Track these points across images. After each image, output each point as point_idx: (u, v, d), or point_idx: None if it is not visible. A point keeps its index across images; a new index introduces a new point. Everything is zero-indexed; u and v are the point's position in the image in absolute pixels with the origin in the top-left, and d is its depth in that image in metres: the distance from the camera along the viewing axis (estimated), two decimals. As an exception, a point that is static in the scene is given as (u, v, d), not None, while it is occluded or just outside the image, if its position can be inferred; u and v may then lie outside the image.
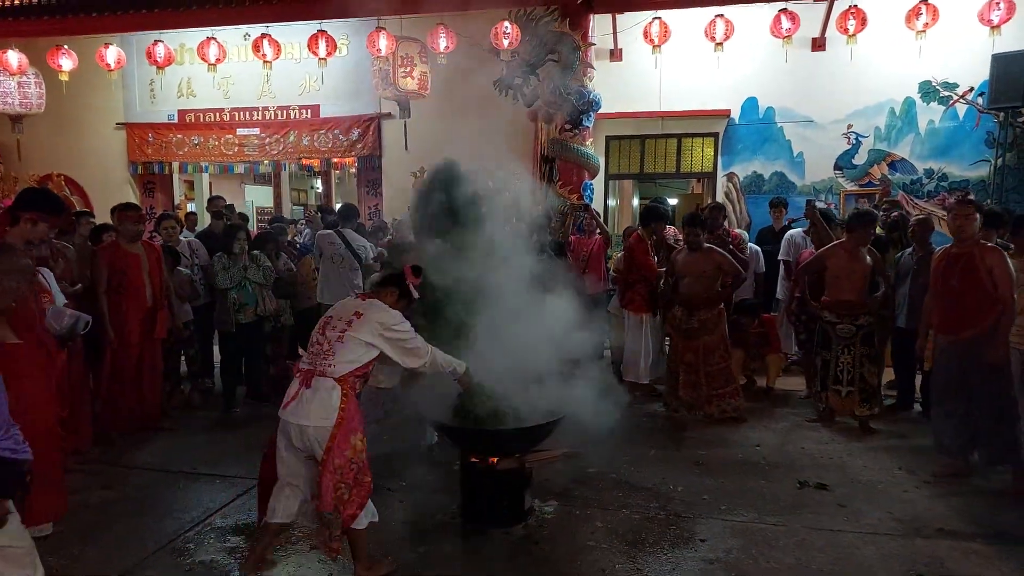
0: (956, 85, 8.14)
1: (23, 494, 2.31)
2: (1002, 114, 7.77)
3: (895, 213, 6.84)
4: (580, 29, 7.95)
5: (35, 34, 9.33)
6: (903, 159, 8.37)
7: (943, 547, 3.46)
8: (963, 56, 7.93)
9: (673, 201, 12.35)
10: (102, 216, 8.35)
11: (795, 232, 6.79)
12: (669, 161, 9.06)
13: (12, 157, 10.62)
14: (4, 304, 2.48)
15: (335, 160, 10.18)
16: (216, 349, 6.39)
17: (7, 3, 9.68)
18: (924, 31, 7.26)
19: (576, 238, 7.15)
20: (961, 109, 8.18)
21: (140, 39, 9.60)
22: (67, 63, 9.08)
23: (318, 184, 14.16)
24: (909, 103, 8.27)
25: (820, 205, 6.90)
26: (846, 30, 7.45)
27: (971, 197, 7.07)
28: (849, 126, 8.44)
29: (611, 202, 9.88)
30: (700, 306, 5.46)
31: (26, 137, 10.27)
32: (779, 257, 6.83)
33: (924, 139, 8.29)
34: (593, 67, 8.21)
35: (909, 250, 5.62)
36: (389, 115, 9.50)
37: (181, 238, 6.49)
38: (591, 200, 8.19)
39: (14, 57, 9.06)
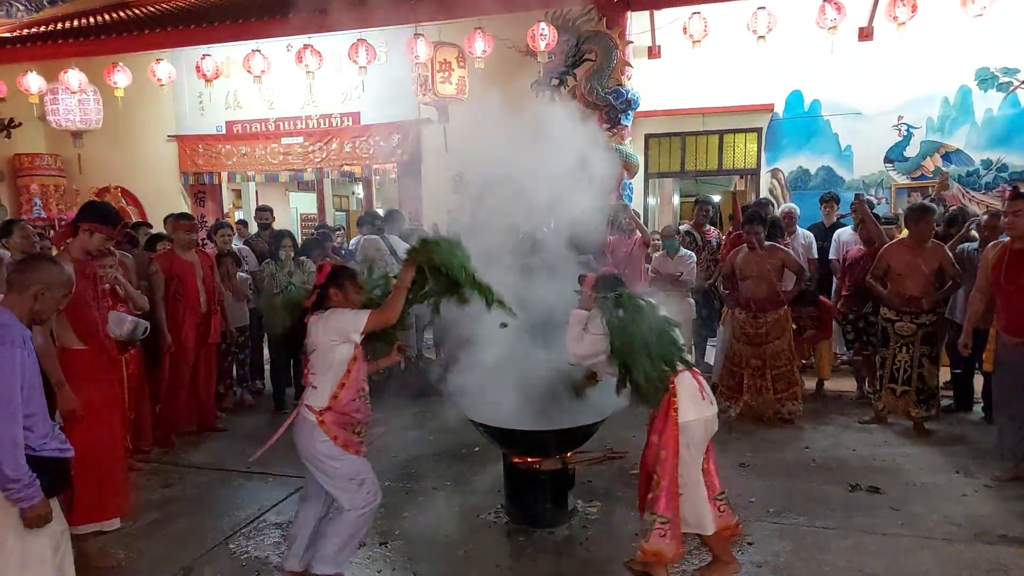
0: (1017, 70, 7.79)
1: (69, 491, 2.56)
2: (1066, 99, 7.42)
3: (953, 207, 6.58)
4: (617, 27, 7.91)
5: (92, 53, 9.77)
6: (958, 150, 8.06)
7: (1006, 554, 3.32)
8: None
9: (716, 198, 12.16)
10: (157, 226, 8.69)
11: (844, 230, 6.61)
12: (711, 158, 8.93)
13: (74, 171, 11.14)
14: (47, 315, 2.58)
15: (376, 166, 10.36)
16: (267, 352, 6.58)
17: (66, 25, 10.17)
18: (981, 14, 6.97)
19: (615, 239, 7.11)
20: (1022, 96, 7.83)
21: (189, 54, 9.95)
22: (122, 79, 9.48)
23: (359, 190, 14.40)
24: (964, 91, 7.96)
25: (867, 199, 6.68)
26: (896, 18, 7.21)
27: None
28: (900, 117, 8.17)
29: (651, 201, 9.78)
30: (765, 308, 5.31)
31: (85, 151, 10.76)
32: (829, 256, 6.63)
33: (981, 128, 7.96)
34: (631, 65, 8.16)
35: (973, 245, 5.40)
36: (428, 120, 9.62)
37: (233, 245, 6.70)
38: (630, 200, 8.13)
39: (75, 76, 9.50)
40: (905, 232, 5.20)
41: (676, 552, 2.96)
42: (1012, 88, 7.84)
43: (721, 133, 8.81)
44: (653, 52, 8.77)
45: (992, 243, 4.53)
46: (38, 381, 2.40)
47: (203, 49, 9.49)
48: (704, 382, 3.10)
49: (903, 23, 7.18)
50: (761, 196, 8.43)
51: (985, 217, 5.59)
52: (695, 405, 2.96)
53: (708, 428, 3.00)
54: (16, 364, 2.25)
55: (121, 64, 9.48)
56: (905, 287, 4.98)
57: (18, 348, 2.27)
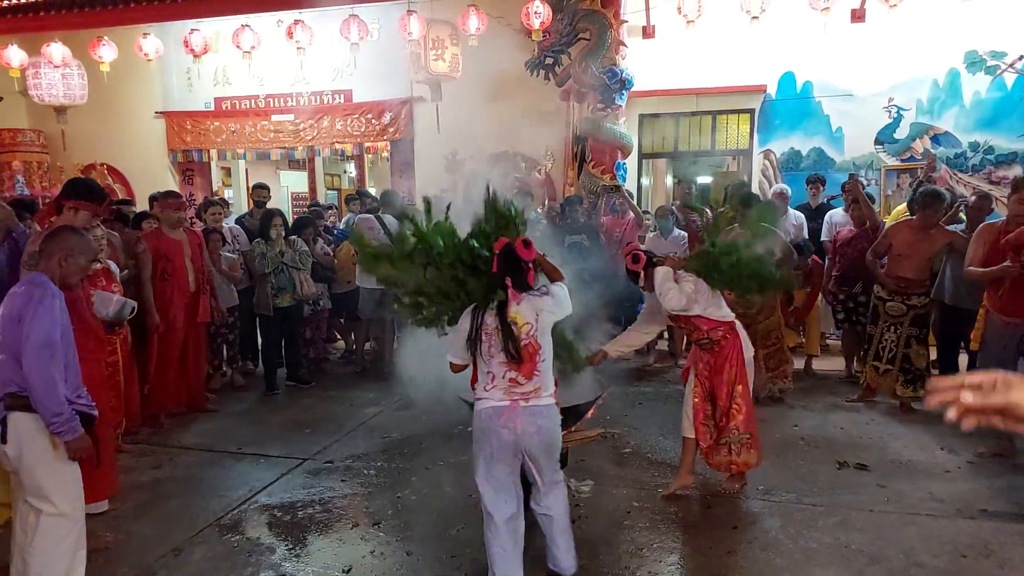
0: (1004, 54, 7.80)
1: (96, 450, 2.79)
2: (1055, 83, 7.45)
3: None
4: (612, 6, 7.83)
5: (77, 26, 9.55)
6: (946, 132, 8.09)
7: (987, 528, 3.40)
8: (1013, 23, 7.59)
9: (708, 179, 12.15)
10: (143, 204, 8.57)
11: (835, 211, 6.64)
12: (704, 139, 8.91)
13: (57, 147, 10.94)
14: (74, 280, 2.90)
15: (368, 144, 10.25)
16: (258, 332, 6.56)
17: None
18: (971, -2, 6.97)
19: (609, 219, 7.11)
20: (1009, 79, 7.84)
21: (177, 28, 9.75)
22: (108, 54, 9.28)
23: (351, 169, 14.28)
24: (953, 74, 7.96)
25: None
26: (887, 0, 7.18)
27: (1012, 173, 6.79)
28: (890, 99, 8.17)
29: (645, 181, 9.77)
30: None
31: (70, 127, 10.56)
32: (821, 238, 6.67)
33: (969, 111, 7.99)
34: (625, 45, 8.09)
35: (960, 227, 5.45)
36: (421, 98, 9.52)
37: (224, 224, 6.64)
38: (624, 180, 8.12)
39: (58, 50, 9.29)
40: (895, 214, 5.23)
41: (759, 459, 3.72)
42: (999, 71, 7.85)
43: (714, 114, 8.78)
44: (647, 32, 8.70)
45: (992, 222, 4.56)
46: (71, 337, 2.73)
47: (191, 23, 9.30)
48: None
49: (895, 5, 7.15)
50: (752, 177, 8.46)
51: (973, 199, 5.64)
52: (748, 345, 3.71)
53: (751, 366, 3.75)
54: (55, 313, 2.61)
55: (106, 38, 9.27)
56: (902, 268, 5.04)
57: (57, 299, 2.65)
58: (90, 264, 2.93)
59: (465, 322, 2.82)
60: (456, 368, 2.94)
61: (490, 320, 2.75)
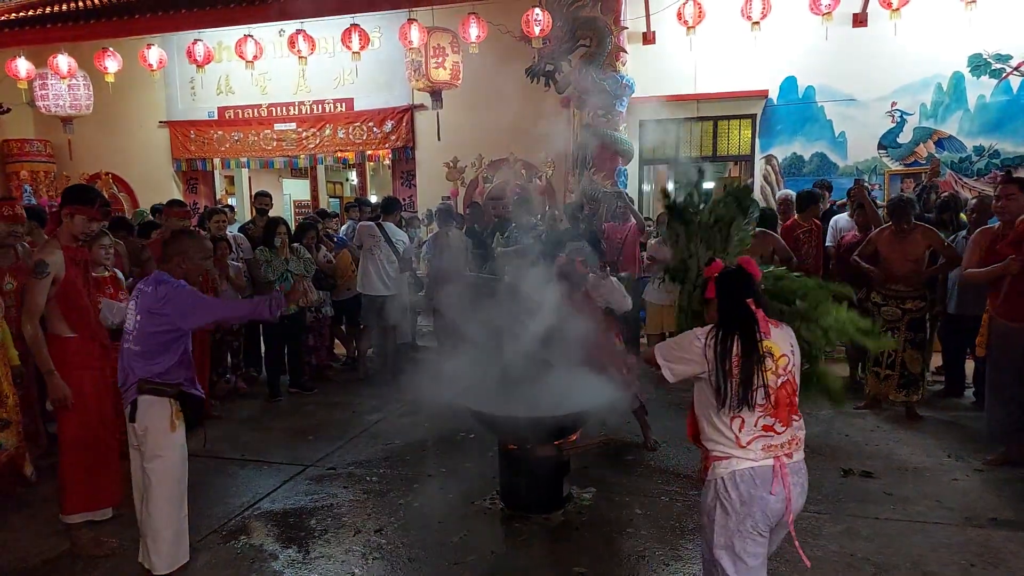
0: (1010, 57, 7.79)
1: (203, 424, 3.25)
2: (1059, 86, 7.43)
3: (945, 194, 6.60)
4: (612, 12, 7.85)
5: (82, 38, 9.64)
6: (951, 136, 8.07)
7: (997, 537, 3.36)
8: (1017, 25, 7.58)
9: (710, 185, 12.15)
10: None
11: (840, 216, 6.61)
12: (705, 145, 8.91)
13: (64, 157, 11.02)
14: (194, 277, 3.19)
15: (369, 152, 10.30)
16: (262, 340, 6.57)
17: (55, 9, 10.02)
18: (974, 1, 6.95)
19: (610, 225, 7.10)
20: (1015, 82, 7.83)
21: (180, 39, 9.83)
22: (112, 65, 9.37)
23: (353, 177, 14.32)
24: (957, 78, 7.95)
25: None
26: (889, 4, 7.18)
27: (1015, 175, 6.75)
28: (893, 104, 8.17)
29: (645, 187, 9.77)
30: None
31: (76, 137, 10.64)
32: (826, 243, 6.65)
33: (974, 115, 7.97)
34: (626, 51, 8.11)
35: (963, 232, 5.43)
36: (422, 106, 9.57)
37: (228, 232, 6.66)
38: (625, 186, 8.11)
39: (64, 61, 9.37)
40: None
41: None
42: (1005, 75, 7.84)
43: (715, 119, 8.79)
44: (648, 38, 8.73)
45: (980, 228, 4.54)
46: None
47: (194, 34, 9.38)
48: None
49: (897, 9, 7.16)
50: (755, 183, 8.44)
51: (974, 202, 5.62)
52: None
53: None
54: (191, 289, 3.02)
55: (111, 49, 9.36)
56: (893, 270, 5.04)
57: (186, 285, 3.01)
58: (206, 262, 3.28)
59: (708, 349, 2.22)
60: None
61: (735, 350, 2.19)
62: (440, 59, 8.48)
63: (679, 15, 7.72)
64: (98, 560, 3.35)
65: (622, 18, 8.09)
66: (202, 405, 3.21)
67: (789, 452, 2.24)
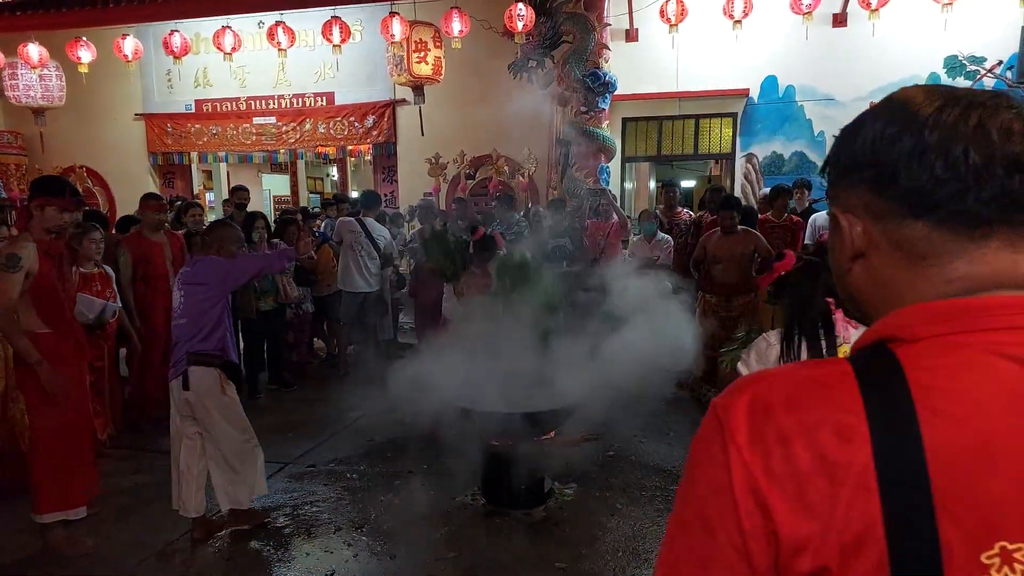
0: (984, 59, 7.93)
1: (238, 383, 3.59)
2: (1031, 88, 7.58)
3: None
4: (595, 9, 7.85)
5: (53, 27, 9.42)
6: (927, 136, 8.21)
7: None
8: (992, 28, 7.73)
9: (691, 183, 12.25)
10: (123, 208, 8.45)
11: (819, 215, 6.69)
12: (687, 143, 8.97)
13: (36, 149, 10.78)
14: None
15: (350, 147, 10.22)
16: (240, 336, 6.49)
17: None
18: (951, 3, 7.07)
19: (592, 222, 7.12)
20: (988, 84, 7.97)
21: (157, 29, 9.66)
22: (86, 55, 9.17)
23: (334, 172, 14.22)
24: (934, 78, 8.08)
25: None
26: (868, 4, 7.27)
27: None
28: (871, 104, 8.15)
29: (627, 185, 9.82)
30: (738, 292, 5.38)
31: (48, 130, 10.42)
32: (805, 241, 6.73)
33: (949, 116, 8.11)
34: (609, 48, 8.12)
35: None
36: (404, 101, 9.50)
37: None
38: (607, 183, 8.14)
39: (35, 50, 9.16)
40: None
41: None
42: (979, 76, 7.99)
43: (697, 118, 8.84)
44: (631, 35, 8.76)
45: None
46: (228, 302, 3.48)
47: (171, 24, 9.22)
48: None
49: (876, 10, 7.26)
50: (735, 181, 8.52)
51: None
52: None
53: None
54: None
55: (84, 39, 9.15)
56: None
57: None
58: (240, 250, 3.61)
59: (772, 349, 2.06)
60: None
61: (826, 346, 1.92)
62: (422, 53, 8.42)
63: (662, 12, 7.75)
64: (73, 559, 3.30)
65: (605, 15, 8.10)
66: (238, 369, 3.60)
67: None
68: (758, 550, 0.58)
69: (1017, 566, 0.53)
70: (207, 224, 4.80)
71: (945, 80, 8.05)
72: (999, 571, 0.53)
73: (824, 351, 1.84)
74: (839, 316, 1.92)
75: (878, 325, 0.66)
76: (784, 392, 0.62)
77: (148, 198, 5.45)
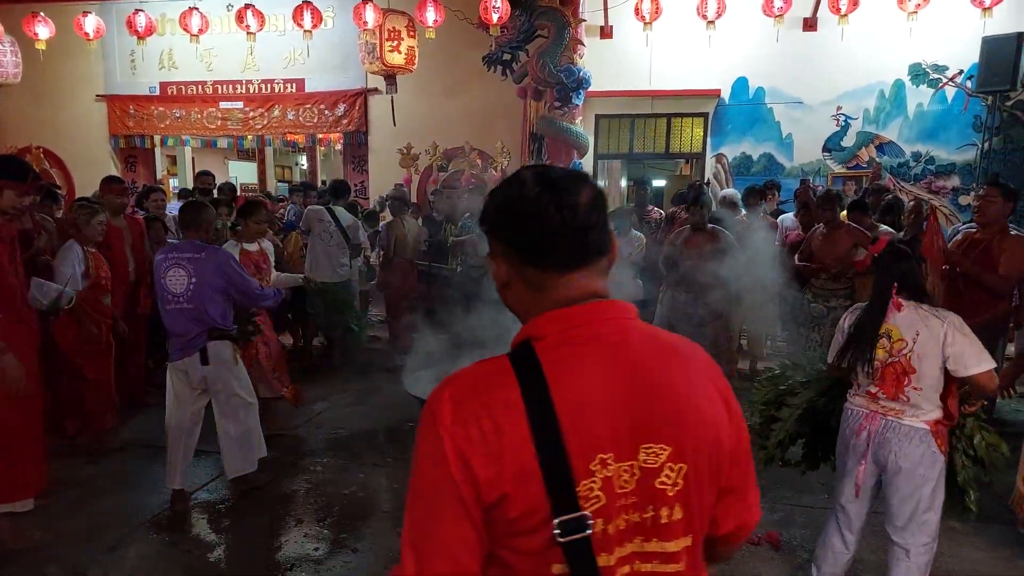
0: (946, 68, 8.14)
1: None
2: (990, 98, 7.80)
3: (888, 196, 6.83)
4: (571, 4, 7.84)
5: (9, 0, 9.05)
6: (891, 142, 8.39)
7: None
8: (954, 39, 7.92)
9: (662, 182, 12.34)
10: (83, 191, 8.17)
11: (786, 216, 6.78)
12: (659, 141, 9.02)
13: (-12, 128, 10.37)
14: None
15: (320, 136, 10.04)
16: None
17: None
18: (916, 12, 7.22)
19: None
20: (950, 92, 8.19)
21: (120, 8, 9.34)
22: (44, 31, 8.82)
23: (303, 160, 13.97)
24: (899, 85, 8.27)
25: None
26: (838, 10, 7.39)
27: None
28: (839, 108, 8.44)
29: (600, 182, 9.84)
30: (706, 289, 5.39)
31: (2, 108, 10.02)
32: (774, 241, 6.80)
33: (912, 122, 8.31)
34: (583, 44, 8.12)
35: (901, 235, 5.63)
36: (376, 90, 9.36)
37: (167, 212, 6.38)
38: (580, 179, 8.15)
39: (-12, 25, 8.79)
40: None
41: None
42: (941, 85, 8.19)
43: (669, 117, 8.90)
44: (605, 32, 8.77)
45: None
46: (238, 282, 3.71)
47: (135, 3, 8.92)
48: None
49: (845, 15, 7.37)
50: (704, 180, 8.60)
51: (911, 205, 5.85)
52: None
53: None
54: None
55: (42, 14, 8.80)
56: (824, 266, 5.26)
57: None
58: (214, 229, 3.82)
59: (846, 320, 2.61)
60: (832, 371, 2.71)
61: (864, 320, 2.51)
62: (395, 42, 8.30)
63: (637, 10, 7.76)
64: (20, 552, 3.17)
65: (580, 10, 8.09)
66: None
67: (887, 413, 2.46)
68: (467, 492, 0.89)
69: (609, 465, 0.92)
70: (182, 206, 4.67)
71: (909, 87, 8.23)
72: (600, 472, 0.92)
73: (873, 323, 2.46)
74: (896, 300, 2.44)
75: (523, 329, 0.99)
76: (471, 384, 0.95)
77: (109, 181, 5.28)
